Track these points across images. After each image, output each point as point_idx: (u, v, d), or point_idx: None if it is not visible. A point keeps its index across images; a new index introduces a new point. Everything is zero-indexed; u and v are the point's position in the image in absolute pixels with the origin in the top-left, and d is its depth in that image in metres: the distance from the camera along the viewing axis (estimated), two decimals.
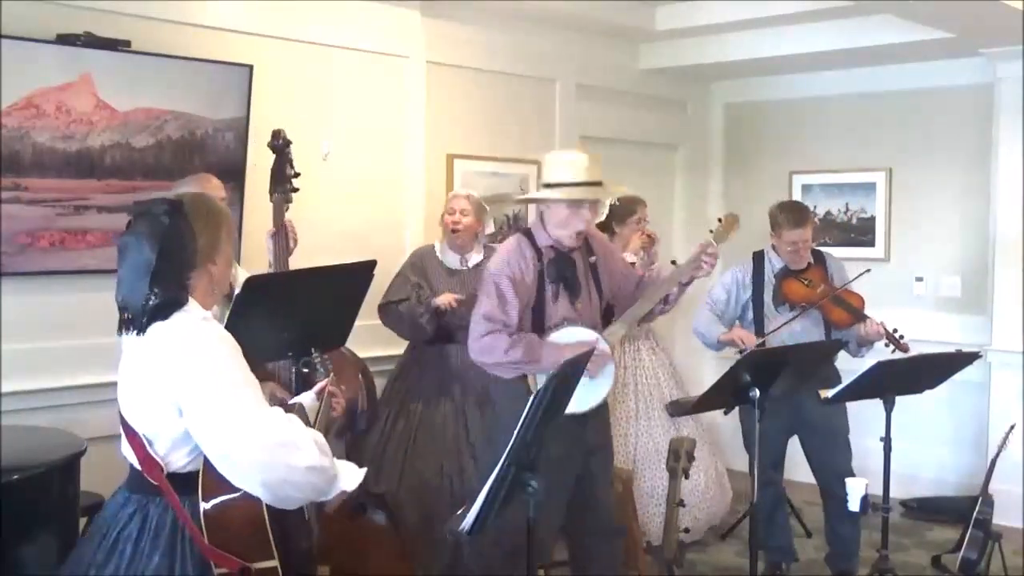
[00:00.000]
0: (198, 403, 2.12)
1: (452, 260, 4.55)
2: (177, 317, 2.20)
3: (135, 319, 2.19)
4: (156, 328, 2.19)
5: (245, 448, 2.09)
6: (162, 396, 2.16)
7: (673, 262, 3.75)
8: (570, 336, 3.51)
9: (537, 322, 3.52)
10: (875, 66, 6.26)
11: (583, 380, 3.42)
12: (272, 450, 2.09)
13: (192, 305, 2.23)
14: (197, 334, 2.18)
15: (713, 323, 4.56)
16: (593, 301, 3.65)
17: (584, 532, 3.69)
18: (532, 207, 5.82)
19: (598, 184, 3.49)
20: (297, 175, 3.87)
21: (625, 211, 5.08)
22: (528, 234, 3.58)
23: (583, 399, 3.48)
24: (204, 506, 2.16)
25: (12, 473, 3.04)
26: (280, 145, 3.87)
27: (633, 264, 4.61)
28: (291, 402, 2.69)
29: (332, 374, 2.88)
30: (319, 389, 2.73)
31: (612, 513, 3.81)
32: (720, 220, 3.85)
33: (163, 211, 2.23)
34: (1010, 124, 5.68)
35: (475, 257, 4.57)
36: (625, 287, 3.77)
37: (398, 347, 4.69)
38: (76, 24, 3.88)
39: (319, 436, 2.21)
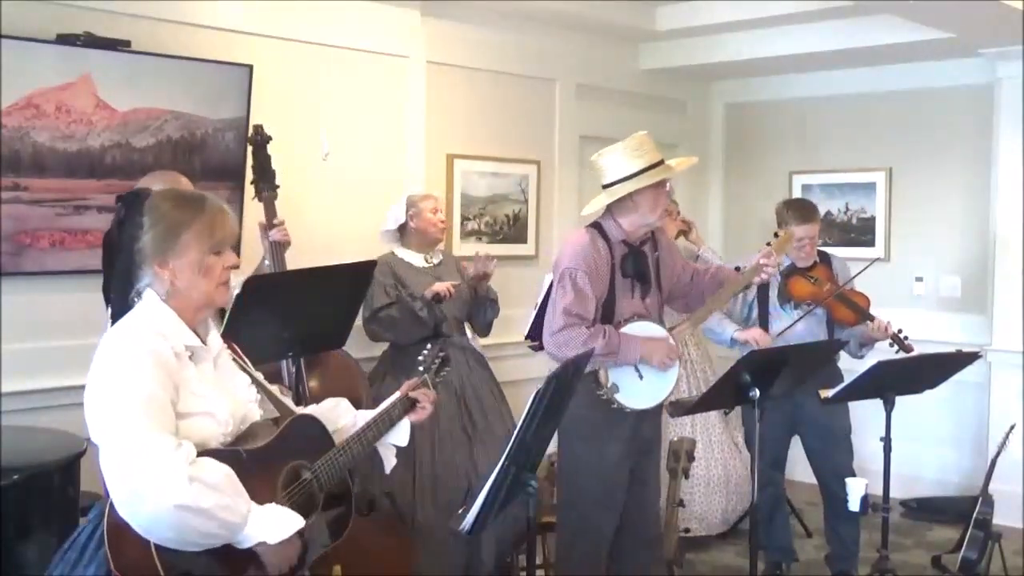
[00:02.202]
0: (90, 420, 2.03)
1: (418, 260, 4.56)
2: (123, 320, 2.12)
3: (111, 317, 2.17)
4: None
5: (115, 476, 1.95)
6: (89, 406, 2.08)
7: (737, 268, 3.86)
8: (642, 330, 3.51)
9: (607, 317, 3.50)
10: (875, 66, 6.26)
11: (649, 377, 3.49)
12: (138, 483, 1.92)
13: (149, 307, 2.13)
14: (113, 344, 2.07)
15: (723, 320, 4.57)
16: (658, 297, 3.66)
17: (624, 534, 3.65)
18: (532, 209, 5.85)
19: (662, 162, 3.52)
20: (275, 171, 3.85)
21: None
22: (599, 228, 3.55)
23: (647, 396, 3.51)
24: (104, 526, 2.03)
25: (12, 473, 3.04)
26: (261, 140, 3.84)
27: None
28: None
29: (427, 375, 2.77)
30: (408, 387, 2.65)
31: (658, 519, 3.79)
32: (776, 235, 4.02)
33: (120, 203, 2.16)
34: (1010, 124, 5.68)
35: (438, 255, 4.65)
36: (683, 279, 3.76)
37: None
38: (76, 24, 3.88)
39: (211, 474, 1.98)
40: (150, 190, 2.24)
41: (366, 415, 2.57)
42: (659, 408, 3.70)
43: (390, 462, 2.66)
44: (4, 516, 2.97)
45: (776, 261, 3.71)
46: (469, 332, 4.69)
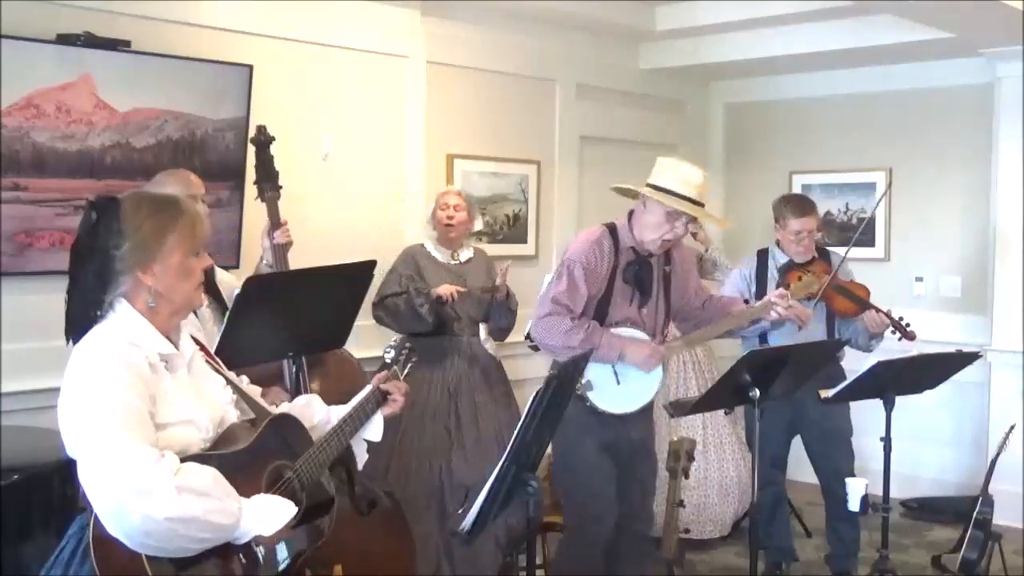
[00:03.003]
0: (67, 434, 1.99)
1: (444, 256, 4.58)
2: (94, 331, 2.05)
3: (66, 327, 2.09)
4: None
5: (99, 492, 1.92)
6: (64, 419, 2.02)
7: (746, 301, 3.87)
8: (628, 334, 3.54)
9: (599, 316, 3.53)
10: (875, 66, 6.26)
11: (627, 383, 3.49)
12: (126, 498, 1.88)
13: (121, 318, 2.08)
14: (86, 356, 2.02)
15: None
16: (659, 310, 3.65)
17: (621, 533, 3.66)
18: (532, 209, 5.85)
19: (701, 205, 3.47)
20: (277, 171, 3.84)
21: None
22: (612, 229, 3.57)
23: (621, 401, 3.52)
24: (90, 537, 1.98)
25: (12, 473, 3.04)
26: (265, 140, 3.82)
27: None
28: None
29: (395, 366, 2.78)
30: (379, 379, 2.65)
31: (649, 516, 3.80)
32: (800, 278, 4.00)
33: (92, 209, 2.08)
34: (1010, 124, 5.68)
35: (466, 253, 4.64)
36: (693, 303, 3.77)
37: None
38: (76, 24, 3.87)
39: (196, 479, 1.96)
40: (118, 198, 2.15)
41: (338, 411, 2.56)
42: (647, 414, 3.71)
43: (362, 457, 2.66)
44: (4, 516, 2.96)
45: (787, 303, 3.66)
46: (483, 333, 4.65)
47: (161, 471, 1.92)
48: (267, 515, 2.07)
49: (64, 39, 3.84)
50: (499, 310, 4.59)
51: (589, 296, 3.47)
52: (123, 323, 2.08)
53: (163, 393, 2.08)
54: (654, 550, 3.76)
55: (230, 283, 3.60)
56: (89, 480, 1.95)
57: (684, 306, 3.74)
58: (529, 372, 5.07)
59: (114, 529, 1.93)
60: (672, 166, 3.50)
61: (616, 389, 3.50)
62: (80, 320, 2.09)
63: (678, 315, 3.77)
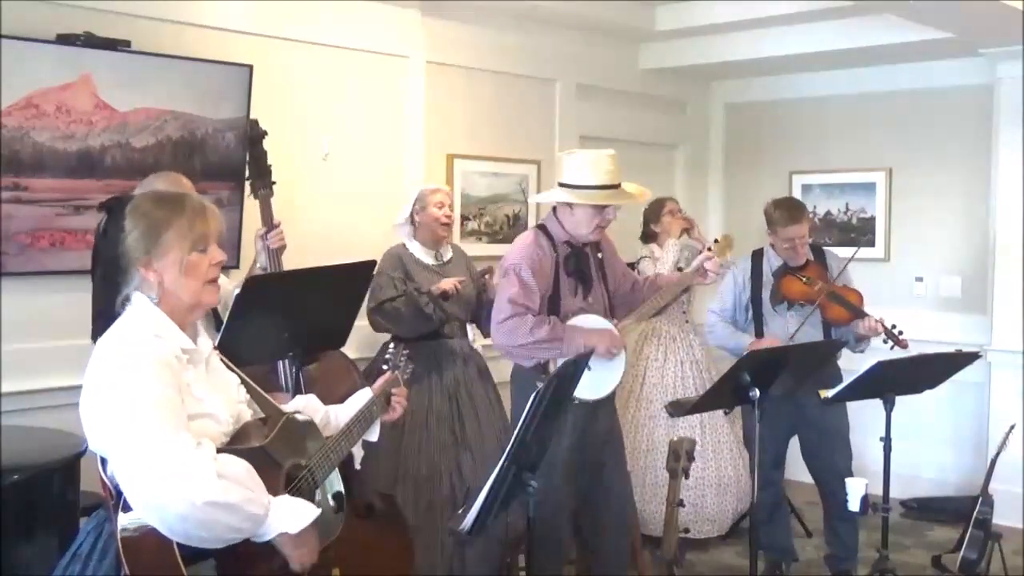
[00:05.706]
0: (100, 425, 2.01)
1: (427, 256, 4.50)
2: (116, 325, 2.09)
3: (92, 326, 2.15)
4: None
5: (138, 479, 1.94)
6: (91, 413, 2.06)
7: (679, 268, 3.83)
8: (586, 322, 3.61)
9: (552, 312, 3.61)
10: (875, 66, 6.26)
11: (598, 368, 3.53)
12: (167, 483, 1.92)
13: (140, 311, 2.10)
14: (112, 349, 2.05)
15: (736, 333, 4.56)
16: (602, 296, 3.74)
17: (598, 523, 3.71)
18: (533, 205, 5.85)
19: (617, 187, 3.59)
20: (270, 167, 3.83)
21: (656, 209, 5.42)
22: (543, 228, 3.68)
23: (596, 386, 3.55)
24: (120, 528, 2.00)
25: (12, 473, 3.05)
26: (257, 135, 3.78)
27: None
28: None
29: (395, 371, 2.81)
30: (380, 383, 2.68)
31: (627, 504, 3.83)
32: (717, 240, 4.03)
33: (102, 210, 2.16)
34: (1010, 124, 5.68)
35: (448, 251, 4.58)
36: (623, 286, 3.87)
37: None
38: (76, 24, 3.87)
39: (233, 468, 2.00)
40: (131, 196, 2.20)
41: (335, 409, 2.60)
42: (611, 400, 3.76)
43: (358, 456, 2.74)
44: (4, 516, 2.97)
45: (717, 265, 3.73)
46: (471, 334, 4.64)
47: (201, 456, 1.96)
48: (292, 513, 2.10)
49: (64, 39, 3.84)
50: (490, 308, 4.57)
51: (541, 293, 3.54)
52: (143, 316, 2.11)
53: (187, 386, 2.10)
54: (627, 536, 3.80)
55: (225, 285, 3.59)
56: (126, 471, 1.96)
57: (616, 290, 3.82)
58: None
59: (153, 517, 1.95)
60: (579, 160, 3.59)
61: (589, 376, 3.48)
62: (102, 317, 2.14)
63: (614, 300, 3.82)
